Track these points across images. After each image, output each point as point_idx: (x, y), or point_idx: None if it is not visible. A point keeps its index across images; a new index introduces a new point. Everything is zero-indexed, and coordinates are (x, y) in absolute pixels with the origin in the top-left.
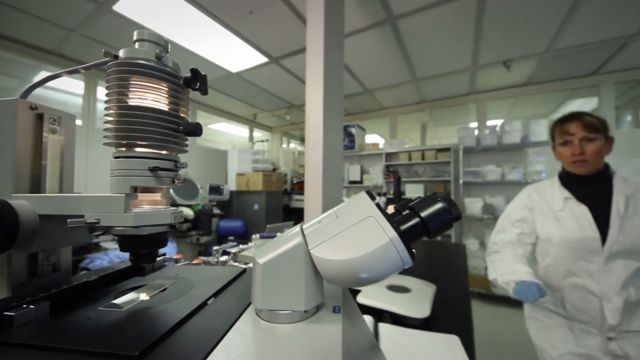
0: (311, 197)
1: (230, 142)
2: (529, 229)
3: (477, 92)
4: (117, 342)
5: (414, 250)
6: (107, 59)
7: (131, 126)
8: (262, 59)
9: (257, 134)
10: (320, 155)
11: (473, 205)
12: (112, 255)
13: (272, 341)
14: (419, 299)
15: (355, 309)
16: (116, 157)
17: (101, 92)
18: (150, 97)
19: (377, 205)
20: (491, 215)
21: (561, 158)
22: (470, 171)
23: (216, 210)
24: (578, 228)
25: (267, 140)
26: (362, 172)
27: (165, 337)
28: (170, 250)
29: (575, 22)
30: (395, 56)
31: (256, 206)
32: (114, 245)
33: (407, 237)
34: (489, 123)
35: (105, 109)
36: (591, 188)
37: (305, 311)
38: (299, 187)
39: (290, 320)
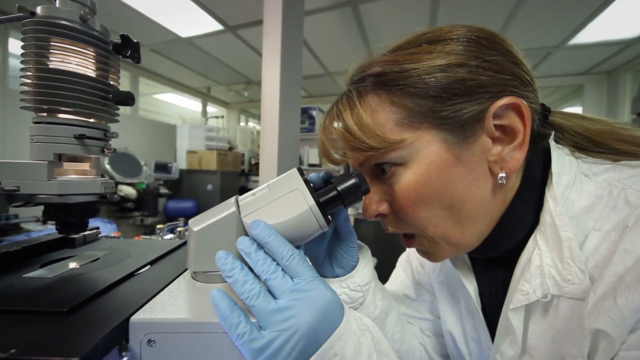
0: (266, 178)
1: (180, 116)
2: None
3: None
4: (44, 301)
5: (329, 217)
6: (22, 14)
7: (52, 91)
8: (216, 25)
9: (212, 109)
10: (276, 135)
11: None
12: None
13: (204, 297)
14: None
15: None
16: (36, 123)
17: (14, 46)
18: (75, 61)
19: (305, 180)
20: None
21: None
22: None
23: (163, 190)
24: None
25: (223, 116)
26: None
27: (95, 297)
28: (109, 232)
29: (514, 26)
30: (355, 41)
31: (210, 186)
32: (38, 227)
33: (324, 206)
34: None
35: (22, 69)
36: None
37: None
38: (257, 168)
39: (224, 280)
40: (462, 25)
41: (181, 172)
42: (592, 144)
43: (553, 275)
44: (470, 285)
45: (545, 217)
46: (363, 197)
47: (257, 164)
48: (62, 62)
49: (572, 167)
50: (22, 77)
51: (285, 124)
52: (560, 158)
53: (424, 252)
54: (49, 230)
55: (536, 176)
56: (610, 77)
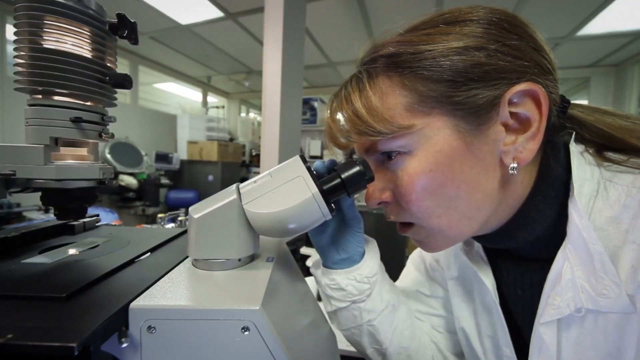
0: (267, 170)
1: (180, 106)
2: None
3: None
4: (43, 287)
5: (332, 205)
6: None
7: (47, 72)
8: (216, 12)
9: (212, 99)
10: (277, 126)
11: None
12: None
13: (205, 284)
14: None
15: (291, 261)
16: (31, 105)
17: (11, 32)
18: (70, 41)
19: (308, 167)
20: None
21: None
22: None
23: (164, 180)
24: None
25: (223, 107)
26: (323, 147)
27: (94, 284)
28: (110, 220)
29: (522, 16)
30: (359, 30)
31: (210, 177)
32: (40, 215)
33: (327, 194)
34: None
35: (15, 49)
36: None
37: (239, 259)
38: (258, 160)
39: (225, 268)
40: (482, 6)
41: (182, 162)
42: (612, 141)
43: (587, 289)
44: (488, 280)
45: (571, 229)
46: (367, 185)
47: (258, 156)
48: (57, 41)
49: (595, 175)
50: (15, 57)
51: (286, 115)
52: (581, 166)
53: (419, 242)
54: (51, 218)
55: (554, 171)
56: (618, 70)
